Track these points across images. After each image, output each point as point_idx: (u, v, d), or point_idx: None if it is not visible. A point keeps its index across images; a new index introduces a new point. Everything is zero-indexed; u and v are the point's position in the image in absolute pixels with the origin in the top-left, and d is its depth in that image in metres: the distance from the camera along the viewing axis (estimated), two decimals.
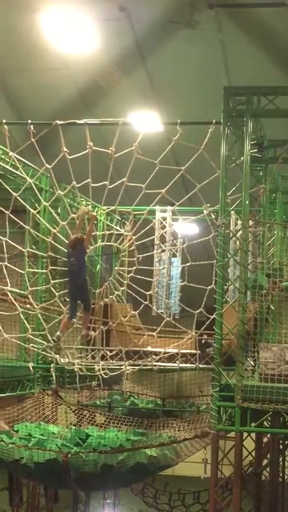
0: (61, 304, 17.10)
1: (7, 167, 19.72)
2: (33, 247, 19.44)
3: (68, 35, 20.44)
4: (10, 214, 16.45)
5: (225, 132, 16.03)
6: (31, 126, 15.85)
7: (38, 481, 21.04)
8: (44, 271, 18.36)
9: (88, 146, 15.50)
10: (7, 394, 20.40)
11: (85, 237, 16.10)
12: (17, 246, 17.33)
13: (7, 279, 17.01)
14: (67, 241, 16.32)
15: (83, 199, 20.66)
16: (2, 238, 16.59)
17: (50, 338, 16.96)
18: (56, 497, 24.47)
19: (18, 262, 19.13)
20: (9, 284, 17.07)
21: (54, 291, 17.05)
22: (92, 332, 17.70)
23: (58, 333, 16.58)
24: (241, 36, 23.14)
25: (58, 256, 17.23)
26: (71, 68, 25.05)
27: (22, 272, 17.80)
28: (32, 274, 17.70)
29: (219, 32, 23.12)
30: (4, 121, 16.39)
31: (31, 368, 18.74)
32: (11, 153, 17.31)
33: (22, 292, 18.13)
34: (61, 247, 16.84)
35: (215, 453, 15.93)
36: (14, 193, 16.40)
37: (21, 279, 20.71)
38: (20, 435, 18.50)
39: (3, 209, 16.50)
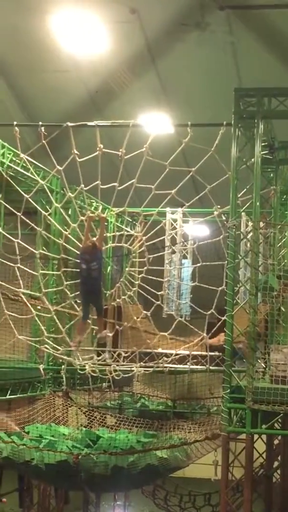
0: (75, 305, 17.02)
1: (18, 168, 19.79)
2: (44, 248, 19.46)
3: (79, 37, 20.46)
4: (21, 216, 16.42)
5: (236, 133, 16.03)
6: (42, 128, 15.86)
7: (48, 483, 21.04)
8: (57, 272, 18.33)
9: (98, 148, 15.51)
10: (18, 395, 20.43)
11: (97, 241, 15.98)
12: (29, 248, 17.31)
13: (20, 281, 16.99)
14: (80, 245, 16.22)
15: (93, 201, 20.70)
16: (14, 239, 16.56)
17: (67, 339, 16.90)
18: (67, 499, 24.51)
19: (29, 263, 19.16)
20: (22, 285, 17.06)
21: (68, 292, 16.97)
22: (109, 333, 17.63)
23: (78, 338, 16.49)
24: (252, 38, 23.14)
25: (70, 258, 17.19)
26: (82, 70, 25.08)
27: (35, 273, 17.76)
28: (43, 276, 17.67)
29: (230, 34, 23.12)
30: (15, 123, 16.41)
31: (42, 370, 18.75)
32: (22, 155, 17.33)
33: (36, 294, 18.14)
34: (72, 249, 16.80)
35: (226, 455, 15.90)
36: (25, 195, 16.37)
37: (32, 280, 20.75)
38: (31, 436, 18.53)
39: (14, 211, 16.48)
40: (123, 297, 17.09)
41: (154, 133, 15.92)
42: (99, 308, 16.30)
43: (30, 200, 16.44)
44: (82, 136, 15.64)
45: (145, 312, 17.61)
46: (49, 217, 17.75)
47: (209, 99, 24.76)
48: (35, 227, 17.29)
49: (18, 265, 16.64)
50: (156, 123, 19.88)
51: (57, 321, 17.59)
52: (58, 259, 18.70)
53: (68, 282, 17.11)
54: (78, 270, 16.29)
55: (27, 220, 16.73)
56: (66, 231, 17.20)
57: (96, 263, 15.69)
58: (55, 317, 17.69)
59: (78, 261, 15.95)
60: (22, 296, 17.22)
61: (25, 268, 17.28)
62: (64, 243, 16.72)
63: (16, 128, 16.04)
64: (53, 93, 26.16)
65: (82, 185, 16.00)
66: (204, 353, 17.89)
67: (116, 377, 16.79)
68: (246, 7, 22.51)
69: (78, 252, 16.30)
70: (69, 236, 16.62)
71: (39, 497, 22.87)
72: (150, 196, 15.68)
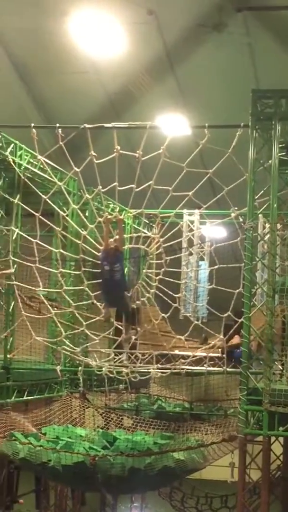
0: (98, 304, 16.94)
1: (36, 170, 19.82)
2: (61, 250, 19.48)
3: (96, 39, 20.49)
4: (40, 217, 16.41)
5: (253, 135, 15.99)
6: (59, 129, 15.87)
7: (65, 484, 21.06)
8: (75, 272, 18.31)
9: (115, 150, 15.51)
10: (35, 396, 20.47)
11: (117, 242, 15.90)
12: (47, 247, 17.32)
13: (39, 282, 17.00)
14: (98, 246, 16.17)
15: (110, 202, 20.71)
16: (32, 240, 16.55)
17: (94, 335, 16.83)
18: (83, 500, 24.53)
19: (46, 265, 19.18)
20: (40, 286, 17.07)
21: (89, 292, 16.91)
22: (133, 336, 17.55)
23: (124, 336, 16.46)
24: (269, 39, 23.13)
25: (89, 258, 17.15)
26: (99, 71, 25.13)
27: (54, 271, 17.74)
28: (60, 277, 17.67)
29: (247, 36, 23.12)
30: (32, 124, 16.43)
31: (58, 372, 18.76)
32: (39, 157, 17.34)
33: (52, 291, 18.11)
34: (90, 249, 16.76)
35: (243, 457, 15.87)
36: (43, 196, 16.37)
37: (48, 282, 20.77)
38: (47, 437, 18.54)
39: (33, 212, 16.47)
40: (142, 299, 17.02)
41: (171, 134, 15.90)
42: (126, 313, 16.19)
43: (48, 201, 16.42)
44: (101, 139, 15.67)
45: (162, 314, 17.58)
46: (67, 218, 17.74)
47: (226, 100, 24.75)
48: (54, 227, 17.25)
49: (36, 264, 16.59)
50: (173, 125, 19.86)
51: (81, 320, 17.50)
52: (76, 260, 18.70)
53: (87, 282, 17.09)
54: (96, 270, 16.25)
55: (47, 221, 16.71)
56: (84, 232, 17.17)
57: (119, 264, 15.64)
58: (73, 316, 17.66)
59: (100, 262, 15.86)
60: (41, 296, 17.24)
61: (43, 267, 17.28)
62: (82, 244, 16.67)
63: (33, 130, 16.06)
64: (71, 95, 26.22)
65: (100, 187, 15.99)
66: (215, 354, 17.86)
67: (133, 379, 16.78)
68: (263, 8, 22.50)
69: (96, 253, 16.26)
70: (87, 236, 16.58)
71: (56, 498, 22.90)
72: (168, 198, 15.65)
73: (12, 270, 17.78)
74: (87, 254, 17.13)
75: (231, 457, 18.55)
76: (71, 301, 17.59)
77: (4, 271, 18.37)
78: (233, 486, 17.98)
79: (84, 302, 17.69)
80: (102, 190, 16.20)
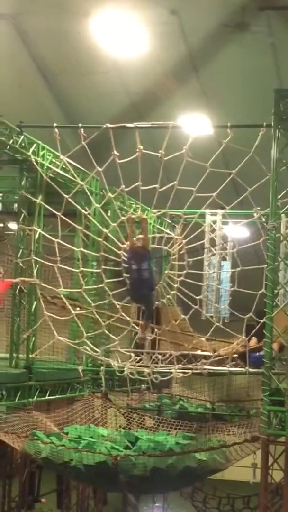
0: (116, 304, 16.92)
1: (58, 170, 19.87)
2: (83, 250, 19.50)
3: (119, 39, 20.49)
4: (62, 216, 16.40)
5: (276, 134, 15.94)
6: (82, 129, 15.87)
7: (87, 484, 21.10)
8: (96, 270, 18.32)
9: (137, 149, 15.49)
10: (57, 396, 20.53)
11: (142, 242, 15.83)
12: (70, 247, 17.32)
13: (60, 282, 17.00)
14: (120, 244, 16.12)
15: (132, 202, 20.71)
16: (54, 239, 16.56)
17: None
18: (105, 500, 24.55)
19: (68, 265, 19.19)
20: (61, 286, 17.08)
21: (108, 291, 16.88)
22: (149, 335, 17.50)
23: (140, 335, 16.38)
24: None
25: (111, 257, 17.11)
26: (121, 71, 25.16)
27: (75, 270, 17.73)
28: (81, 277, 17.68)
29: (270, 35, 23.06)
30: (54, 124, 16.45)
31: (81, 372, 18.78)
32: (62, 157, 17.36)
33: (77, 290, 18.10)
34: (112, 247, 16.74)
35: (265, 458, 15.82)
36: (65, 195, 16.37)
37: (71, 282, 20.80)
38: (70, 437, 18.57)
39: (55, 211, 16.46)
40: (163, 300, 16.99)
41: (194, 134, 15.87)
42: (149, 311, 16.13)
43: (70, 200, 16.42)
44: (123, 139, 15.62)
45: (183, 316, 17.54)
46: (90, 216, 17.74)
47: (249, 100, 24.70)
48: (76, 226, 17.25)
49: (58, 264, 16.58)
50: (196, 125, 19.82)
51: (103, 321, 17.50)
52: (98, 260, 18.70)
53: (108, 280, 17.09)
54: (118, 269, 16.21)
55: (69, 221, 16.72)
56: (106, 231, 17.14)
57: (146, 263, 15.60)
58: (96, 318, 17.65)
59: (126, 260, 15.78)
60: (62, 297, 17.25)
61: (65, 267, 17.29)
62: (104, 242, 16.65)
63: (56, 130, 16.07)
64: (93, 95, 26.26)
65: (123, 186, 15.97)
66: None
67: (155, 380, 16.74)
68: (286, 8, 22.40)
69: (118, 252, 16.21)
70: (109, 234, 16.56)
71: (78, 498, 22.95)
72: (192, 198, 15.62)
73: (37, 281, 17.83)
74: (109, 253, 17.12)
75: (253, 458, 18.49)
76: (90, 301, 17.56)
77: (28, 279, 18.44)
78: (255, 487, 17.93)
79: (105, 301, 17.66)
80: (125, 190, 16.18)
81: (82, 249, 17.81)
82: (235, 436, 18.69)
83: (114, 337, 16.92)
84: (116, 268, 16.67)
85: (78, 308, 17.90)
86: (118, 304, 16.63)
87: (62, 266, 16.96)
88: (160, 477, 16.94)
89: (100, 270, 17.36)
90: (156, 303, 17.22)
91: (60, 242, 16.41)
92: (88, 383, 21.95)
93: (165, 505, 27.79)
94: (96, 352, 16.94)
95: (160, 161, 15.34)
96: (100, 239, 16.63)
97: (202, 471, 17.74)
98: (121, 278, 16.10)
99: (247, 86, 24.91)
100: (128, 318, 16.88)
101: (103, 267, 17.21)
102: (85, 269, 17.93)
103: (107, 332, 17.15)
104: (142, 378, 17.07)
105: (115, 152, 15.40)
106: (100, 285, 17.44)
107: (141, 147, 15.34)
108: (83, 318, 19.30)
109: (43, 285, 17.92)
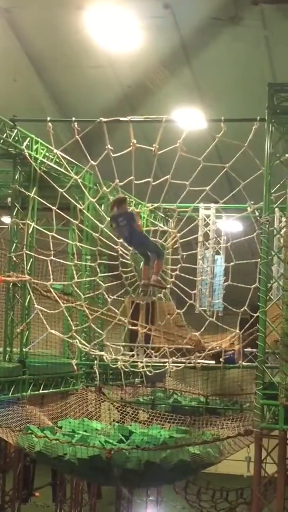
0: (109, 297, 16.86)
1: (52, 164, 19.84)
2: (78, 244, 19.49)
3: (112, 32, 20.49)
4: (57, 210, 16.33)
5: (270, 129, 15.94)
6: (75, 123, 15.84)
7: (81, 477, 21.12)
8: (91, 264, 18.26)
9: (131, 143, 15.47)
10: (51, 390, 20.53)
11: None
12: (64, 240, 17.29)
13: (51, 276, 16.99)
14: (115, 238, 16.08)
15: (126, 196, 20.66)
16: (48, 233, 16.51)
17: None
18: (99, 494, 24.57)
19: (62, 259, 19.18)
20: (55, 280, 17.06)
21: (102, 284, 16.87)
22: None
23: (143, 282, 16.30)
24: (286, 32, 22.98)
25: (106, 251, 17.06)
26: (115, 65, 25.09)
27: (69, 263, 17.67)
28: (75, 271, 17.65)
29: (264, 28, 23.00)
30: (48, 118, 16.42)
31: (74, 366, 18.78)
32: (55, 151, 17.32)
33: (68, 283, 18.05)
34: (107, 241, 16.70)
35: (259, 452, 15.87)
36: (60, 189, 16.33)
37: (65, 276, 20.80)
38: (63, 431, 18.60)
39: (50, 205, 16.40)
40: (159, 294, 16.98)
41: (187, 128, 15.85)
42: (157, 253, 15.98)
43: (65, 194, 16.38)
44: (117, 134, 15.60)
45: (178, 310, 17.54)
46: (84, 211, 17.70)
47: (242, 94, 24.67)
48: (72, 220, 17.21)
49: (51, 257, 16.53)
50: (189, 119, 19.81)
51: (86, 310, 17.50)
52: (92, 254, 18.68)
53: (101, 275, 17.09)
54: (114, 263, 16.19)
55: (63, 214, 16.67)
56: (101, 225, 17.10)
57: (122, 218, 15.60)
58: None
59: (115, 220, 15.79)
60: (52, 291, 17.24)
61: (59, 260, 17.27)
62: (101, 237, 16.62)
63: (49, 123, 16.04)
64: (87, 89, 26.21)
65: (117, 180, 15.94)
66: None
67: (148, 373, 16.75)
68: (280, 1, 22.36)
69: (113, 245, 16.18)
70: (104, 229, 16.53)
71: (72, 491, 22.97)
72: (185, 192, 15.60)
73: (29, 278, 17.83)
74: (104, 247, 17.10)
75: (247, 451, 18.54)
76: (81, 294, 17.54)
77: (21, 278, 18.42)
78: (249, 480, 17.97)
79: (97, 293, 17.65)
80: (112, 186, 16.15)
81: (77, 243, 17.76)
82: (228, 429, 18.73)
83: (101, 331, 16.94)
84: (111, 262, 16.66)
85: (66, 302, 17.83)
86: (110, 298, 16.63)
87: (56, 260, 16.94)
88: (153, 471, 16.98)
89: (94, 264, 17.36)
90: (152, 297, 17.19)
91: (54, 235, 16.37)
92: (82, 377, 21.95)
93: (158, 498, 27.83)
94: (86, 346, 16.95)
95: (154, 154, 15.32)
96: (96, 234, 16.57)
97: (196, 464, 17.77)
98: (116, 272, 16.11)
99: (240, 79, 24.87)
100: (117, 311, 16.81)
101: (99, 261, 17.21)
102: (79, 262, 17.91)
103: (94, 326, 17.16)
104: (136, 370, 17.07)
105: (109, 146, 15.37)
106: (93, 278, 17.44)
107: (135, 141, 15.32)
108: (77, 313, 19.31)
109: (34, 280, 17.92)
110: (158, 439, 17.95)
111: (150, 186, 15.65)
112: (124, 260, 16.00)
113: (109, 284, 16.90)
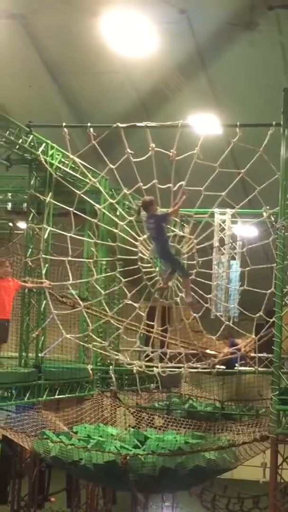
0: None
1: (67, 170, 19.90)
2: (92, 249, 19.51)
3: (127, 38, 20.50)
4: (76, 211, 16.26)
5: (285, 133, 15.93)
6: (91, 129, 15.87)
7: (96, 483, 21.10)
8: (108, 274, 18.22)
9: (150, 148, 15.49)
10: (67, 395, 20.54)
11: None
12: (83, 239, 17.22)
13: (70, 280, 16.98)
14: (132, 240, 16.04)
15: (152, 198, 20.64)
16: (67, 234, 16.45)
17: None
18: (115, 499, 24.57)
19: (76, 264, 19.20)
20: (70, 285, 17.06)
21: (125, 290, 16.85)
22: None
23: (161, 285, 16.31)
24: None
25: (124, 257, 17.03)
26: (130, 71, 25.16)
27: (87, 261, 17.62)
28: (91, 276, 17.65)
29: (279, 34, 23.03)
30: (64, 124, 16.47)
31: (90, 371, 18.78)
32: (71, 156, 17.34)
33: (76, 281, 17.95)
34: (124, 246, 16.66)
35: (275, 457, 15.82)
36: (78, 192, 16.31)
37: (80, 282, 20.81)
38: (79, 436, 18.58)
39: (67, 207, 16.35)
40: (175, 298, 16.92)
41: (202, 133, 15.84)
42: (181, 271, 15.94)
43: (83, 196, 16.36)
44: (131, 140, 15.63)
45: (194, 314, 17.51)
46: (99, 216, 17.69)
47: (258, 99, 24.68)
48: (92, 220, 17.15)
49: (69, 258, 16.49)
50: (205, 124, 19.80)
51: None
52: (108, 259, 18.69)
53: (121, 284, 17.08)
54: (130, 268, 16.16)
55: (82, 214, 16.61)
56: (115, 231, 17.09)
57: (153, 220, 15.60)
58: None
59: (147, 222, 15.76)
60: (69, 295, 17.22)
61: (76, 259, 17.19)
62: (119, 244, 16.60)
63: (65, 129, 16.08)
64: (103, 95, 26.28)
65: (141, 183, 15.87)
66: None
67: (162, 374, 16.69)
68: None
69: (131, 248, 16.15)
70: (121, 234, 16.51)
71: (87, 497, 22.96)
72: (201, 198, 15.60)
73: (49, 285, 17.81)
74: (120, 253, 17.11)
75: (263, 457, 18.49)
76: (101, 300, 17.54)
77: (40, 285, 18.40)
78: (265, 486, 17.90)
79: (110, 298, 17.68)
80: (133, 189, 16.15)
81: (91, 249, 17.78)
82: (244, 435, 18.66)
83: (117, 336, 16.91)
84: (127, 268, 16.65)
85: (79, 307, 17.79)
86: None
87: (74, 259, 16.88)
88: (169, 477, 16.93)
89: (112, 274, 17.36)
90: (168, 301, 17.18)
91: (73, 236, 16.36)
92: (97, 382, 21.96)
93: (174, 504, 27.78)
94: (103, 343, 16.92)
95: (172, 160, 15.33)
96: (114, 244, 16.55)
97: (211, 470, 17.71)
98: (132, 278, 16.11)
99: (256, 84, 24.90)
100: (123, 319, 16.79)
101: (119, 270, 17.21)
102: (99, 260, 17.85)
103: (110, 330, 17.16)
104: (150, 373, 17.02)
105: (129, 151, 15.41)
106: (113, 287, 17.45)
107: (153, 145, 15.35)
108: (93, 317, 19.30)
109: (50, 284, 17.92)
110: (174, 444, 17.90)
111: (171, 192, 15.63)
112: (142, 257, 15.92)
113: (126, 286, 16.87)
